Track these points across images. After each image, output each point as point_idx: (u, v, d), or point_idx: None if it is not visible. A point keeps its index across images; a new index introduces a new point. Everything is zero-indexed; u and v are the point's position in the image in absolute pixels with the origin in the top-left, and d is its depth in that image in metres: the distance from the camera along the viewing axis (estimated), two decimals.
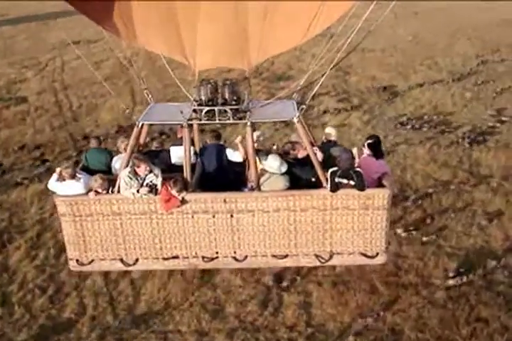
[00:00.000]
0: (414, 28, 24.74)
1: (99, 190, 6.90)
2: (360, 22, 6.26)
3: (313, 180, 7.19)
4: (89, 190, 6.95)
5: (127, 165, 6.89)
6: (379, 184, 7.21)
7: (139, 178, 6.85)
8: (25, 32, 27.66)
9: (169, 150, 7.88)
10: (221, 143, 7.60)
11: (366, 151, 7.65)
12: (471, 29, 24.45)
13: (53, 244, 8.22)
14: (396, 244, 8.17)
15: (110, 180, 7.01)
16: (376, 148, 7.74)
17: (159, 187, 6.88)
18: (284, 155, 7.41)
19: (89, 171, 7.40)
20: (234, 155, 7.50)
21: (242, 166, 7.55)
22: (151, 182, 6.89)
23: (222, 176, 7.37)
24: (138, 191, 6.82)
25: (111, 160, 7.75)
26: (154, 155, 7.74)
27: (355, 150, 7.51)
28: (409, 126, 13.17)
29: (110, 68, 19.49)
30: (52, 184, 7.16)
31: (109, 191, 6.96)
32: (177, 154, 7.67)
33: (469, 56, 20.25)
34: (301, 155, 7.47)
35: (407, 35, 24.07)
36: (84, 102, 16.00)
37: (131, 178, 6.82)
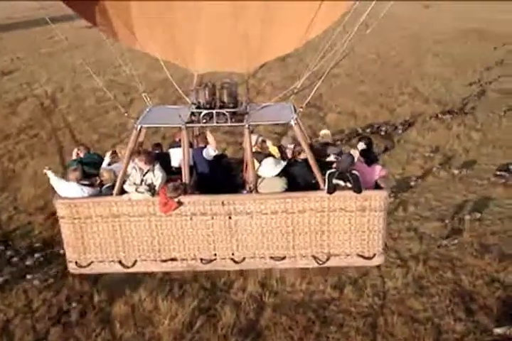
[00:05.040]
0: (370, 43, 23.64)
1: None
2: (357, 23, 6.91)
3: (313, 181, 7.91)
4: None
5: (126, 168, 7.64)
6: (377, 186, 7.88)
7: (141, 172, 7.69)
8: None
9: (168, 153, 8.66)
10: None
11: (359, 157, 8.09)
12: (430, 42, 22.11)
13: None
14: None
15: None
16: (368, 155, 8.23)
17: (157, 188, 7.66)
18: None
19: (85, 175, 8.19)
20: (207, 152, 8.14)
21: (239, 168, 8.44)
22: (151, 180, 7.65)
23: (213, 178, 8.11)
24: (136, 189, 7.56)
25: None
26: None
27: (353, 152, 8.00)
28: (426, 190, 11.29)
29: (29, 111, 15.66)
30: (56, 179, 7.84)
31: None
32: (176, 156, 8.37)
33: (447, 78, 19.48)
34: (302, 156, 8.07)
35: (366, 52, 23.30)
36: None
37: (136, 170, 7.66)
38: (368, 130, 14.44)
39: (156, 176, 7.67)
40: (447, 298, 8.02)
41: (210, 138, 8.10)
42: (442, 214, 10.11)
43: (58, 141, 14.30)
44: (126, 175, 7.72)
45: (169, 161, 8.55)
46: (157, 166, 7.77)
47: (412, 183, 11.52)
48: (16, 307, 8.05)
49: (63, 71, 22.31)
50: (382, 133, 14.29)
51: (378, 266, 8.47)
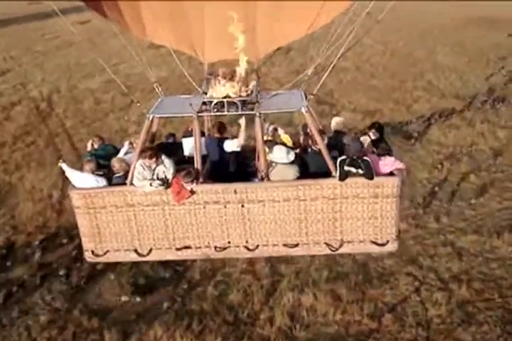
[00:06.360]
0: (378, 35, 22.52)
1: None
2: (363, 14, 6.95)
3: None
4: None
5: (139, 159, 7.86)
6: (390, 173, 8.05)
7: (149, 169, 7.82)
8: None
9: (181, 143, 8.84)
10: (223, 135, 8.67)
11: (369, 146, 8.11)
12: (437, 31, 21.04)
13: None
14: None
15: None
16: (378, 144, 8.06)
17: (170, 179, 7.86)
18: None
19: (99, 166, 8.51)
20: (228, 146, 8.32)
21: (251, 157, 8.54)
22: (163, 173, 7.75)
23: (226, 167, 8.27)
24: (151, 184, 7.67)
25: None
26: (167, 148, 8.58)
27: (364, 139, 8.11)
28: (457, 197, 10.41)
29: (25, 116, 14.64)
30: (70, 170, 8.01)
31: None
32: (189, 146, 8.50)
33: (462, 70, 18.23)
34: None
35: (374, 44, 22.00)
36: None
37: (143, 168, 7.73)
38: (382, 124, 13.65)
39: (168, 167, 7.81)
40: (498, 326, 7.43)
41: (242, 134, 8.14)
42: (478, 224, 9.32)
43: (56, 149, 13.72)
44: None
45: (182, 151, 8.73)
46: (163, 157, 7.90)
47: (441, 189, 10.83)
48: None
49: (58, 70, 21.76)
50: (402, 131, 13.50)
51: (417, 290, 7.72)
